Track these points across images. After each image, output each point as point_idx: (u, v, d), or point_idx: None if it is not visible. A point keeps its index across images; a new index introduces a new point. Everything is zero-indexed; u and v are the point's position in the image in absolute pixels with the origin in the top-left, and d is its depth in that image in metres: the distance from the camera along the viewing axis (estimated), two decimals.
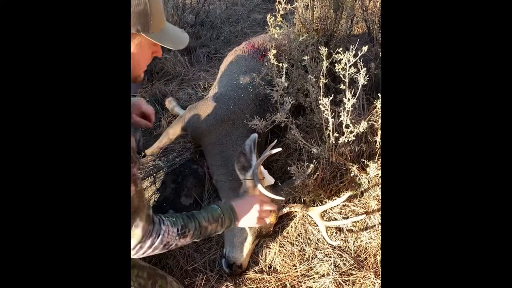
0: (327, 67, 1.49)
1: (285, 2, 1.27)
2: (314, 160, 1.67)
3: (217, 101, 1.91)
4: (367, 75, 1.46)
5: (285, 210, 1.62)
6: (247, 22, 3.24)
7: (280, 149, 1.38)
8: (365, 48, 1.37)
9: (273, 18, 1.33)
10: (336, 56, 1.42)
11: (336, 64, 1.43)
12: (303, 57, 1.48)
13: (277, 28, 1.38)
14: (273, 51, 1.39)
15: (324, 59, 1.41)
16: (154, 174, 1.85)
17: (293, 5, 1.32)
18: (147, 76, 2.68)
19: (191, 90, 2.56)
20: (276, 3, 1.30)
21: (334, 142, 1.52)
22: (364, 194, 1.73)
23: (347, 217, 1.65)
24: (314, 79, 1.51)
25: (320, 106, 1.39)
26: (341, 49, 1.42)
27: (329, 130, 1.47)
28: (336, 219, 1.66)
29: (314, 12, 1.71)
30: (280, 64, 1.43)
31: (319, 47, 1.42)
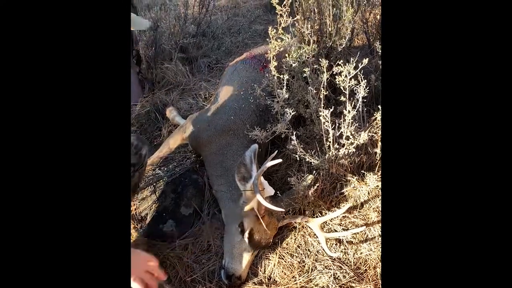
0: (327, 79, 1.50)
1: (286, 16, 1.29)
2: (314, 171, 1.68)
3: (218, 111, 1.92)
4: (367, 87, 1.47)
5: (285, 221, 1.61)
6: (248, 33, 3.27)
7: (280, 160, 1.38)
8: (365, 61, 1.38)
9: (274, 30, 1.35)
10: (336, 68, 1.44)
11: (336, 76, 1.44)
12: (304, 69, 1.49)
13: (278, 40, 1.39)
14: (274, 63, 1.40)
15: (325, 71, 1.42)
16: (154, 184, 1.85)
17: (295, 18, 1.33)
18: (148, 85, 2.69)
19: (191, 100, 2.57)
20: (278, 16, 1.32)
21: (334, 153, 1.53)
22: (364, 206, 1.72)
23: (347, 229, 1.64)
24: (314, 91, 1.52)
25: (321, 117, 1.39)
26: (341, 61, 1.43)
27: (330, 142, 1.47)
28: (336, 231, 1.65)
29: (315, 25, 1.73)
30: (281, 76, 1.44)
31: (320, 59, 1.44)
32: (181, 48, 2.87)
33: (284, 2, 1.25)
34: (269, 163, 1.39)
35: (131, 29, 1.09)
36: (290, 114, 1.43)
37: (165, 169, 1.94)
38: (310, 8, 1.65)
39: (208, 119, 1.91)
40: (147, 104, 2.49)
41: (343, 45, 1.73)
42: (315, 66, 1.59)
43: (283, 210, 1.45)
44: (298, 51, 1.49)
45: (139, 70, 2.65)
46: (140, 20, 1.22)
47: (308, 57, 1.53)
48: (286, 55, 1.54)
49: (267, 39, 1.53)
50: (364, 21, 2.13)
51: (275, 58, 1.44)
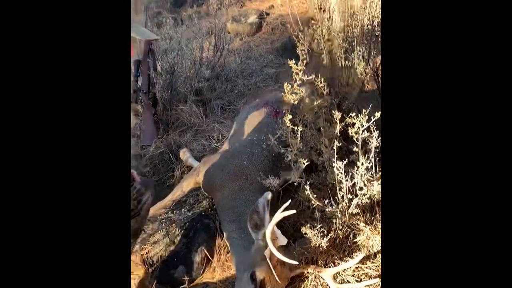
0: (340, 129, 1.54)
1: (302, 74, 1.35)
2: (327, 219, 1.67)
3: (231, 156, 1.95)
4: (379, 137, 1.50)
5: (297, 271, 1.59)
6: (261, 76, 3.37)
7: (294, 211, 1.39)
8: (377, 114, 1.42)
9: (290, 86, 1.41)
10: (349, 120, 1.47)
11: (349, 128, 1.47)
12: (317, 120, 1.54)
13: (293, 95, 1.45)
14: (289, 116, 1.45)
15: (338, 122, 1.46)
16: (167, 228, 1.86)
17: (310, 77, 1.40)
18: (163, 126, 2.76)
19: (205, 141, 2.61)
20: (294, 74, 1.38)
21: (347, 203, 1.53)
22: (378, 256, 1.70)
23: (360, 280, 1.61)
24: (327, 141, 1.56)
25: (334, 168, 1.41)
26: (354, 113, 1.47)
27: (343, 192, 1.48)
28: (349, 282, 1.62)
29: (327, 74, 1.79)
30: (295, 128, 1.48)
31: (333, 111, 1.48)
32: (196, 91, 2.96)
33: (300, 62, 1.32)
34: (283, 214, 1.40)
35: (140, 38, 1.10)
36: (304, 164, 1.45)
37: (178, 212, 1.95)
38: (322, 60, 1.72)
39: (221, 163, 1.94)
40: (161, 145, 2.54)
41: (355, 96, 1.78)
42: (327, 116, 1.63)
43: (297, 263, 1.44)
44: (312, 103, 1.54)
45: (155, 112, 2.73)
46: (149, 33, 1.25)
47: (321, 108, 1.58)
48: (300, 106, 1.59)
49: (280, 87, 1.58)
50: (374, 69, 2.19)
51: (289, 110, 1.48)
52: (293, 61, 1.32)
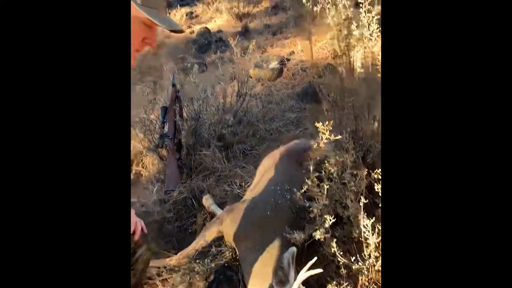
0: (366, 183, 1.54)
1: (328, 134, 1.38)
2: (353, 275, 1.63)
3: (255, 205, 1.95)
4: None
5: None
6: (282, 121, 3.42)
7: (320, 270, 1.37)
8: None
9: (316, 144, 1.44)
10: (375, 175, 1.47)
11: (375, 183, 1.47)
12: (343, 175, 1.54)
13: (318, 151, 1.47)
14: (315, 174, 1.46)
15: (364, 179, 1.46)
16: (189, 279, 1.85)
17: (337, 137, 1.43)
18: (186, 171, 2.82)
19: (227, 187, 2.64)
20: (320, 133, 1.41)
21: (374, 260, 1.50)
22: None
23: None
24: (353, 195, 1.55)
25: (361, 226, 1.40)
26: (379, 169, 1.47)
27: (370, 250, 1.46)
28: None
29: (351, 128, 1.82)
30: (321, 184, 1.49)
31: (358, 168, 1.49)
32: (219, 136, 3.02)
33: (326, 123, 1.36)
34: (308, 273, 1.38)
35: (160, 25, 1.05)
36: (330, 221, 1.44)
37: (200, 262, 1.94)
38: (346, 114, 1.76)
39: (244, 213, 1.95)
40: (185, 190, 2.58)
41: (379, 148, 1.79)
42: (353, 171, 1.63)
43: None
44: (336, 157, 1.56)
45: (179, 157, 2.80)
46: (174, 22, 1.23)
47: (346, 162, 1.59)
48: (325, 161, 1.61)
49: (301, 133, 1.61)
50: None
51: (314, 166, 1.50)
52: (320, 123, 1.36)
